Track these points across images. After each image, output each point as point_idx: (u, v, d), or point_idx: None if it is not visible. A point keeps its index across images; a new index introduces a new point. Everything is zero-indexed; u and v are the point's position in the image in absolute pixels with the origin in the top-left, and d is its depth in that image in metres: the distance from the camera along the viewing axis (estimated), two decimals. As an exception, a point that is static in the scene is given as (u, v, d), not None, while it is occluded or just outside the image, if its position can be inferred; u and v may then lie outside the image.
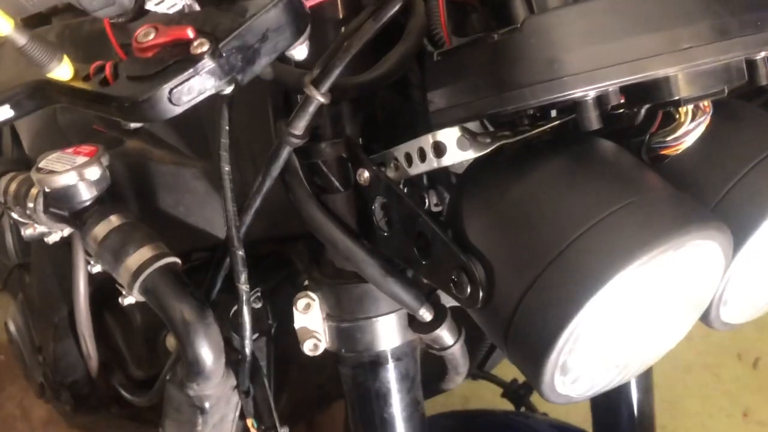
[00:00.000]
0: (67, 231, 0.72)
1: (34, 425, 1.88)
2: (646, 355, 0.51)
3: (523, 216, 0.46)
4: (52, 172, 0.62)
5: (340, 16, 0.55)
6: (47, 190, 0.63)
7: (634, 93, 0.46)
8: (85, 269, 0.74)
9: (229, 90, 0.41)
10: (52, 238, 0.72)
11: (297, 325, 0.60)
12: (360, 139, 0.58)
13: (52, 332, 0.84)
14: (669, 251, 0.42)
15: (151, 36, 0.40)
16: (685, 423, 1.63)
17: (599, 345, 0.46)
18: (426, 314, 0.57)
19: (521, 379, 1.06)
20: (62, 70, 0.42)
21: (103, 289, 0.79)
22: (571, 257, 0.43)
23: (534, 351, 0.44)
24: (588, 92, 0.43)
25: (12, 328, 1.07)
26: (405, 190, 0.63)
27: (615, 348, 0.48)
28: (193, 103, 0.40)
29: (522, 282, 0.44)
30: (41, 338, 0.93)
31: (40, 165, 0.64)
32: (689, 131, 0.48)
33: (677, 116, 0.48)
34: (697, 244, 0.44)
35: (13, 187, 0.71)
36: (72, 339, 0.85)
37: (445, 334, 0.58)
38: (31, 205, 0.68)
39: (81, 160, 0.63)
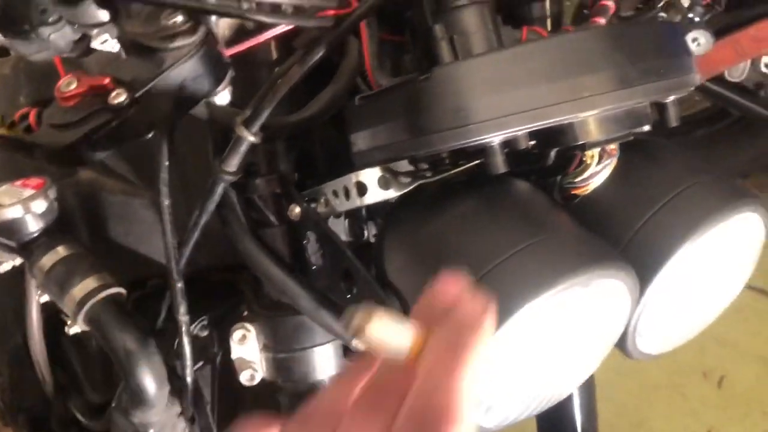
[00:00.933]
0: (18, 260, 0.73)
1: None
2: (559, 386, 0.53)
3: (436, 253, 0.48)
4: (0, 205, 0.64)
5: (273, 58, 0.57)
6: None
7: (542, 137, 0.48)
8: (37, 297, 0.75)
9: (149, 136, 0.43)
10: (3, 267, 0.73)
11: (234, 355, 0.61)
12: (296, 175, 0.60)
13: (7, 358, 0.85)
14: (573, 288, 0.45)
15: (73, 86, 0.42)
16: (651, 442, 1.65)
17: (509, 376, 0.48)
18: (358, 344, 0.58)
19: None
20: (-13, 121, 0.44)
21: (57, 315, 0.81)
22: (482, 288, 0.45)
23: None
24: (493, 138, 0.45)
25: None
26: (346, 222, 0.65)
27: (526, 379, 0.50)
28: (113, 149, 0.42)
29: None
30: (-1, 364, 0.94)
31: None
32: (596, 173, 0.50)
33: (584, 159, 0.50)
34: (600, 283, 0.46)
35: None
36: (28, 364, 0.86)
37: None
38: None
39: (28, 192, 0.65)
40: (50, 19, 0.48)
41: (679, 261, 0.51)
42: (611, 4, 0.71)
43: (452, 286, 0.33)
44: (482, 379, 0.46)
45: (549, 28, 0.70)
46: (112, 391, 0.85)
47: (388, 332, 0.31)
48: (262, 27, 0.50)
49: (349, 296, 0.52)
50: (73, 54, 0.52)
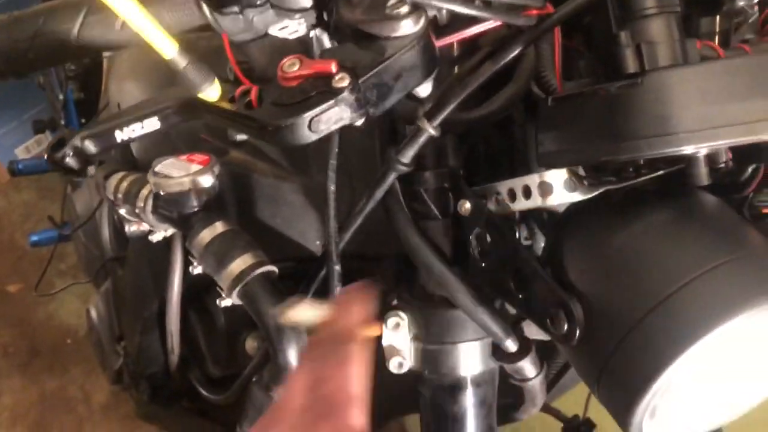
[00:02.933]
0: (170, 231, 0.76)
1: (94, 409, 1.96)
2: (734, 407, 0.52)
3: (627, 262, 0.48)
4: (168, 176, 0.67)
5: (455, 55, 0.58)
6: (162, 193, 0.68)
7: (743, 153, 0.47)
8: (181, 269, 0.78)
9: (360, 122, 0.44)
10: (156, 237, 0.76)
11: (384, 342, 0.62)
12: (461, 171, 0.61)
13: (140, 325, 0.88)
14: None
15: (296, 67, 0.44)
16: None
17: (690, 393, 0.47)
18: (511, 345, 0.58)
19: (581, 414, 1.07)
20: (212, 91, 0.46)
21: (191, 289, 0.84)
22: (673, 306, 0.44)
23: (627, 393, 0.45)
24: (700, 149, 0.45)
25: (94, 315, 1.13)
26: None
27: (705, 398, 0.49)
28: (328, 131, 0.43)
29: (622, 325, 0.46)
30: (126, 329, 0.98)
31: (156, 169, 0.68)
32: (795, 192, 0.49)
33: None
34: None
35: (124, 185, 0.76)
36: (157, 333, 0.89)
37: (527, 366, 0.60)
38: (141, 204, 0.72)
39: (195, 168, 0.68)
40: (258, 2, 0.50)
41: None
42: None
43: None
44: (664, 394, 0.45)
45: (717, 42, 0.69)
46: (233, 367, 0.88)
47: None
48: (466, 22, 0.50)
49: (521, 296, 0.53)
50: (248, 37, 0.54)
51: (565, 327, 0.48)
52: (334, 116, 0.43)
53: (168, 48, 0.42)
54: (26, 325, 2.23)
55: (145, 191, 0.71)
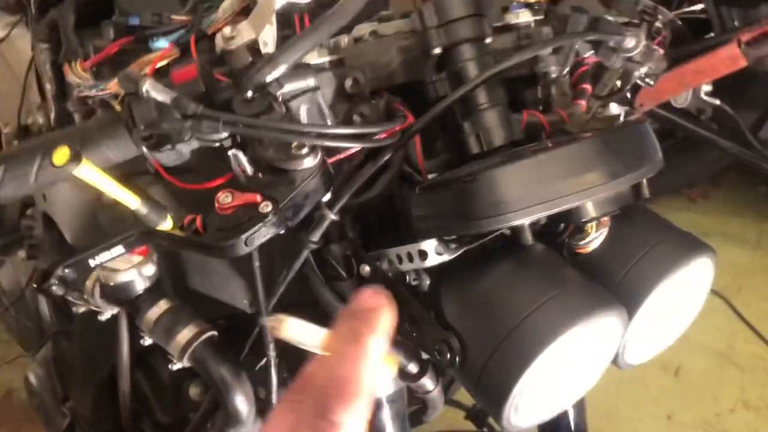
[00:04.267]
0: (116, 310, 0.88)
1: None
2: (574, 393, 0.72)
3: (484, 303, 0.66)
4: (114, 270, 0.80)
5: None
6: (111, 284, 0.81)
7: (556, 217, 0.67)
8: (128, 340, 0.90)
9: (282, 231, 0.60)
10: (105, 317, 0.88)
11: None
12: (360, 240, 0.77)
13: (92, 389, 1.00)
14: (582, 327, 0.63)
15: (230, 199, 0.59)
16: (619, 427, 1.86)
17: (541, 390, 0.66)
18: (413, 368, 0.76)
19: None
20: (166, 224, 0.60)
21: (135, 351, 0.96)
22: (518, 334, 0.63)
23: (496, 398, 0.64)
24: (524, 221, 0.64)
25: (34, 381, 1.22)
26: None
27: (552, 391, 0.68)
28: (260, 243, 0.59)
29: (486, 351, 0.64)
30: (75, 392, 1.09)
31: (102, 263, 0.81)
32: (594, 239, 0.69)
33: (586, 228, 0.69)
34: (601, 320, 0.65)
35: (70, 276, 0.88)
36: (108, 394, 1.01)
37: (427, 382, 0.78)
38: (89, 291, 0.85)
39: (137, 258, 0.81)
40: (186, 138, 0.64)
41: (654, 298, 0.70)
42: (589, 88, 0.91)
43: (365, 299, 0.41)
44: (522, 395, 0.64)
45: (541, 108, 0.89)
46: (179, 412, 1.01)
47: (300, 332, 0.45)
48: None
49: (415, 335, 0.70)
50: None
51: (448, 356, 0.66)
52: (263, 233, 0.59)
53: (132, 201, 0.56)
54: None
55: (90, 282, 0.83)
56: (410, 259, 0.71)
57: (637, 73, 0.91)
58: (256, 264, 0.74)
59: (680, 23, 1.94)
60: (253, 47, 0.64)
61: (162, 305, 0.82)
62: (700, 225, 2.33)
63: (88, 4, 0.95)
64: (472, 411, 1.23)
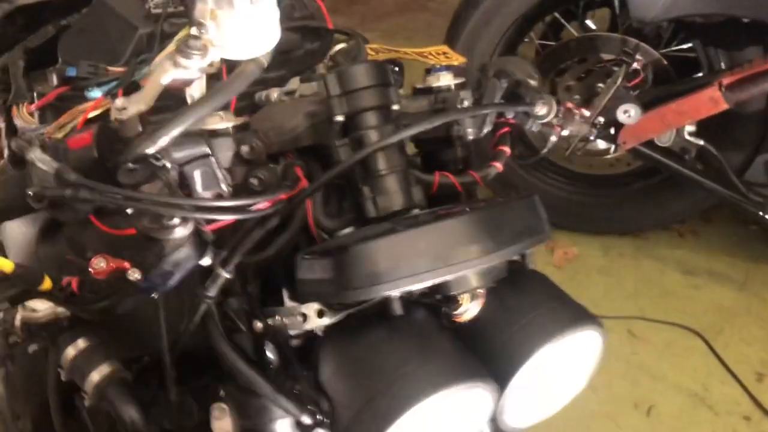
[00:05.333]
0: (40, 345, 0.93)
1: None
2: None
3: (354, 368, 0.69)
4: (34, 311, 0.85)
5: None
6: (32, 323, 0.85)
7: (430, 288, 0.69)
8: (55, 373, 0.95)
9: (155, 296, 0.64)
10: (31, 348, 0.93)
11: (213, 427, 0.82)
12: (261, 295, 0.81)
13: (30, 413, 1.05)
14: (441, 396, 0.65)
15: (103, 264, 0.63)
16: (587, 466, 1.87)
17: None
18: (306, 419, 0.79)
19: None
20: (45, 285, 0.64)
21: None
22: (378, 401, 0.65)
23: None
24: (392, 293, 0.66)
25: (-5, 404, 1.28)
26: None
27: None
28: (130, 306, 0.63)
29: (348, 415, 0.67)
30: (20, 412, 1.14)
31: (25, 303, 0.86)
32: (467, 309, 0.71)
33: (459, 299, 0.71)
34: (465, 390, 0.67)
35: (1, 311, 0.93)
36: (47, 418, 1.06)
37: (323, 433, 0.81)
38: (16, 328, 0.90)
39: (56, 299, 0.85)
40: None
41: (530, 367, 0.73)
42: (507, 150, 0.93)
43: None
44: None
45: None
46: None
47: None
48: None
49: (295, 392, 0.73)
50: None
51: (317, 417, 0.69)
52: (133, 297, 0.63)
53: (5, 265, 0.60)
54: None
55: (17, 322, 0.88)
56: (300, 319, 0.74)
57: (553, 138, 0.93)
58: (161, 315, 0.78)
59: (666, 62, 1.95)
60: (144, 118, 0.68)
61: (80, 344, 0.86)
62: (688, 262, 2.32)
63: (36, 51, 1.01)
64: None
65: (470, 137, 0.91)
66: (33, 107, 0.95)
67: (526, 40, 2.23)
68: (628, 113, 1.85)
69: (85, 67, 0.92)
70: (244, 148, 0.74)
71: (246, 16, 0.62)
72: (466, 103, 0.88)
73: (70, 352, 0.86)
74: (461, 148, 0.91)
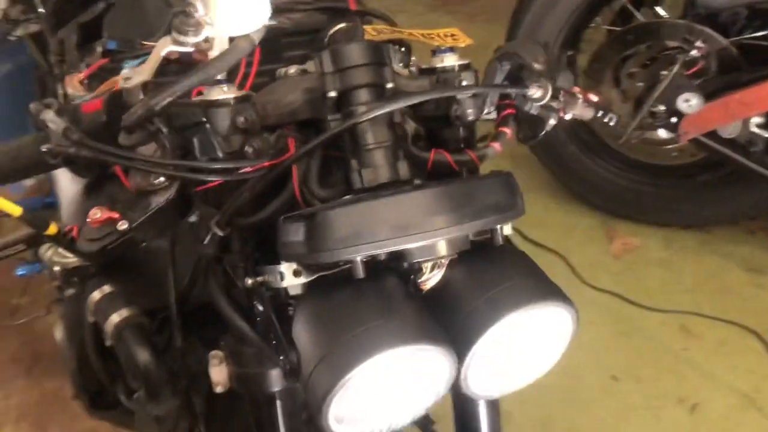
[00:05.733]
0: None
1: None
2: (400, 417, 0.79)
3: (319, 324, 0.75)
4: (66, 257, 0.96)
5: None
6: (65, 269, 0.97)
7: (394, 255, 0.74)
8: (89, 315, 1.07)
9: (143, 245, 0.72)
10: (68, 292, 1.05)
11: (211, 373, 0.90)
12: (255, 254, 0.88)
13: (74, 353, 1.18)
14: (394, 354, 0.70)
15: (98, 215, 0.72)
16: (622, 459, 1.86)
17: (364, 405, 0.74)
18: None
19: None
20: (51, 230, 0.74)
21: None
22: (337, 352, 0.71)
23: (316, 405, 0.72)
24: (354, 257, 0.72)
25: (57, 338, 1.43)
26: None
27: (378, 409, 0.76)
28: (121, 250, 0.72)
29: (312, 363, 0.73)
30: (68, 352, 1.28)
31: (60, 250, 0.97)
32: (429, 278, 0.76)
33: (421, 267, 0.76)
34: (418, 350, 0.72)
35: (47, 256, 1.05)
36: (88, 359, 1.18)
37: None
38: (54, 273, 1.01)
39: (86, 248, 0.96)
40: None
41: (492, 336, 0.76)
42: (508, 132, 0.96)
43: None
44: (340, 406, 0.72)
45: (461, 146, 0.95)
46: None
47: None
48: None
49: (273, 343, 0.80)
50: None
51: (288, 366, 0.76)
52: (122, 244, 0.71)
53: (14, 210, 0.70)
54: (32, 334, 2.56)
55: (55, 268, 0.99)
56: (275, 277, 0.81)
57: (552, 121, 0.95)
58: (170, 274, 0.88)
59: (735, 51, 1.88)
60: (146, 87, 0.76)
61: (105, 289, 0.97)
62: (754, 260, 2.23)
63: (87, 26, 1.12)
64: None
65: (470, 118, 0.94)
66: (81, 76, 1.06)
67: (593, 25, 2.19)
68: (688, 102, 1.81)
69: (122, 42, 1.02)
70: (239, 119, 0.81)
71: (230, -4, 0.69)
72: (464, 84, 0.92)
73: (96, 295, 0.97)
74: (462, 128, 0.95)
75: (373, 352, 0.70)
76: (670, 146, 2.19)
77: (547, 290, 0.80)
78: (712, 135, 1.89)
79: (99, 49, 1.06)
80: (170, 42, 0.75)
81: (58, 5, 1.20)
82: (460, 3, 4.00)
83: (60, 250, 0.97)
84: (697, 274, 2.23)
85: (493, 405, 1.06)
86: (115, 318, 0.94)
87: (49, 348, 2.45)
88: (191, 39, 0.74)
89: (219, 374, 0.90)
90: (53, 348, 2.47)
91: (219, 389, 0.91)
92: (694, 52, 1.74)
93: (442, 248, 0.75)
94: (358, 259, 0.73)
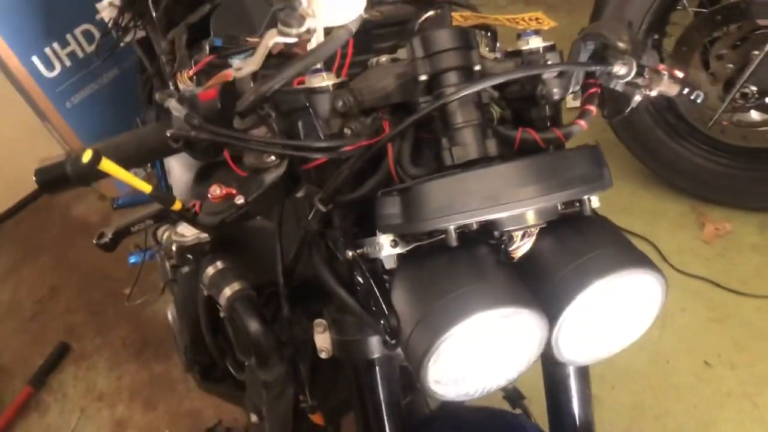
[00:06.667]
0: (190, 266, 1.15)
1: (191, 387, 2.41)
2: (494, 380, 0.83)
3: (416, 289, 0.81)
4: (183, 236, 1.05)
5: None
6: (181, 246, 1.06)
7: (483, 225, 0.79)
8: (203, 293, 1.16)
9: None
10: (184, 270, 1.15)
11: (315, 339, 0.98)
12: (355, 228, 0.95)
13: (188, 328, 1.28)
14: (487, 316, 0.75)
15: (218, 192, 0.80)
16: (718, 444, 1.83)
17: (460, 367, 0.80)
18: (388, 339, 0.92)
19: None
20: (177, 205, 0.83)
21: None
22: (433, 314, 0.77)
23: (415, 366, 0.78)
24: (448, 227, 0.77)
25: (170, 317, 1.55)
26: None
27: (472, 372, 0.81)
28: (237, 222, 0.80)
29: (410, 326, 0.79)
30: (182, 330, 1.39)
31: (177, 230, 1.07)
32: (519, 246, 0.80)
33: (512, 236, 0.80)
34: (511, 314, 0.76)
35: (163, 238, 1.15)
36: (201, 334, 1.28)
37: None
38: (171, 251, 1.11)
39: (199, 228, 1.05)
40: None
41: (582, 302, 0.80)
42: (593, 109, 0.99)
43: None
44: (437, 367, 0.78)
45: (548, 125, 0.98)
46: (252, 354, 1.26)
47: None
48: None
49: (374, 309, 0.86)
50: None
51: (389, 330, 0.82)
52: (238, 218, 0.79)
53: (145, 187, 0.79)
54: (139, 320, 2.74)
55: (174, 247, 1.09)
56: (374, 248, 0.87)
57: (637, 98, 0.97)
58: (278, 241, 0.96)
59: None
60: (256, 76, 0.84)
61: (218, 265, 1.06)
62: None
63: (196, 26, 1.21)
64: (507, 393, 1.35)
65: (556, 97, 0.98)
66: (191, 72, 1.16)
67: (679, 7, 2.16)
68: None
69: (227, 38, 1.10)
70: (338, 103, 0.88)
71: (332, -11, 0.75)
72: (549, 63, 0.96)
73: (210, 270, 1.06)
74: (548, 107, 0.98)
75: (468, 313, 0.75)
76: (763, 128, 2.13)
77: (635, 258, 0.83)
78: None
79: (206, 47, 1.15)
80: (276, 34, 0.82)
81: (168, 8, 1.30)
82: (542, -6, 3.98)
83: (178, 230, 1.07)
84: (793, 259, 2.16)
85: (583, 373, 1.09)
86: (228, 291, 1.03)
87: (157, 333, 2.62)
88: (295, 30, 0.81)
89: (323, 341, 0.97)
90: (161, 333, 2.66)
91: (323, 355, 0.98)
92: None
93: (531, 217, 0.79)
94: (452, 227, 0.78)
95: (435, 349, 0.76)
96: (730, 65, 1.97)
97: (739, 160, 2.22)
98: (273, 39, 0.81)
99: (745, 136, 2.19)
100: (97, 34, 3.00)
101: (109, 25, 1.96)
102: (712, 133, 2.21)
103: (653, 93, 0.99)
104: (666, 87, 0.99)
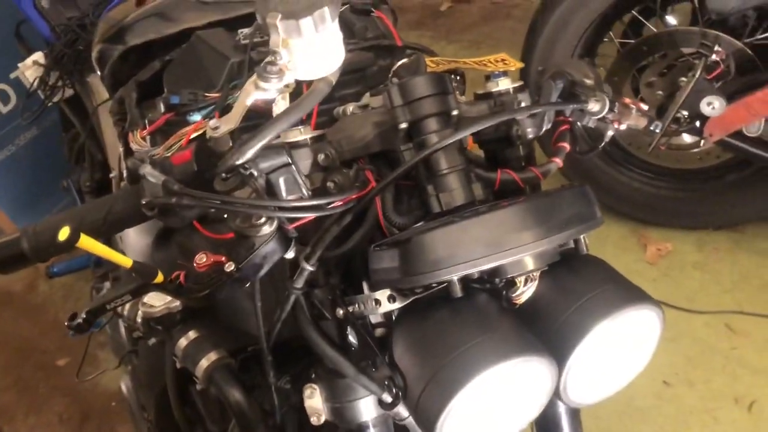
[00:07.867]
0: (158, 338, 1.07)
1: (137, 462, 2.27)
2: (511, 426, 0.81)
3: (422, 345, 0.77)
4: (152, 306, 0.98)
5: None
6: (150, 318, 0.99)
7: (487, 272, 0.77)
8: (172, 362, 1.09)
9: (246, 286, 0.75)
10: (151, 341, 1.07)
11: (306, 405, 0.92)
12: (342, 286, 0.91)
13: (153, 400, 1.20)
14: (500, 368, 0.73)
15: (204, 259, 0.74)
16: (685, 461, 1.85)
17: (473, 421, 0.76)
18: (386, 398, 0.88)
19: None
20: (158, 278, 0.77)
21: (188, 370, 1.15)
22: (445, 371, 0.73)
23: (429, 425, 0.75)
24: (451, 277, 0.74)
25: (124, 389, 1.45)
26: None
27: (486, 423, 0.78)
28: (226, 295, 0.74)
29: (420, 386, 0.75)
30: (145, 402, 1.30)
31: (145, 300, 1.00)
32: (523, 291, 0.78)
33: (515, 282, 0.78)
34: (522, 363, 0.74)
35: (125, 309, 1.08)
36: (167, 405, 1.20)
37: (401, 410, 0.89)
38: (137, 323, 1.04)
39: (169, 297, 0.99)
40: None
41: (588, 345, 0.78)
42: (567, 146, 0.99)
43: None
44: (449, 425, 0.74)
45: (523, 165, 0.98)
46: (224, 423, 1.19)
47: None
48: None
49: (374, 371, 0.82)
50: None
51: (394, 390, 0.78)
52: (228, 285, 0.74)
53: (125, 261, 0.73)
54: (76, 393, 2.57)
55: (138, 318, 1.02)
56: (370, 305, 0.83)
57: (610, 132, 0.98)
58: (258, 304, 0.90)
59: (750, 52, 1.92)
60: (234, 135, 0.80)
61: (191, 335, 0.99)
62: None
63: (146, 83, 1.16)
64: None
65: (530, 136, 0.98)
66: (145, 132, 1.10)
67: (605, 40, 2.24)
68: (711, 105, 1.84)
69: (186, 94, 1.06)
70: (320, 156, 0.85)
71: (313, 43, 0.72)
72: (522, 105, 0.96)
73: (183, 341, 0.99)
74: (522, 146, 0.98)
75: (481, 368, 0.72)
76: (695, 150, 2.22)
77: (634, 294, 0.82)
78: (737, 135, 1.93)
79: (160, 105, 1.10)
80: (254, 89, 0.78)
81: (114, 67, 1.24)
82: (460, 32, 4.08)
83: (145, 300, 1.00)
84: (734, 274, 2.24)
85: (575, 413, 1.08)
86: (205, 363, 0.96)
87: (99, 405, 2.46)
88: (274, 85, 0.77)
89: (315, 405, 0.92)
90: (103, 404, 2.49)
91: (314, 420, 0.93)
92: (714, 57, 1.78)
93: (536, 261, 0.78)
94: (455, 278, 0.76)
95: (450, 409, 0.73)
96: (660, 92, 2.05)
97: (673, 182, 2.31)
98: (251, 96, 0.77)
99: (679, 158, 2.28)
100: (12, 95, 2.87)
101: (35, 85, 1.87)
102: (648, 157, 2.29)
103: (623, 127, 1.01)
104: (634, 120, 1.01)
